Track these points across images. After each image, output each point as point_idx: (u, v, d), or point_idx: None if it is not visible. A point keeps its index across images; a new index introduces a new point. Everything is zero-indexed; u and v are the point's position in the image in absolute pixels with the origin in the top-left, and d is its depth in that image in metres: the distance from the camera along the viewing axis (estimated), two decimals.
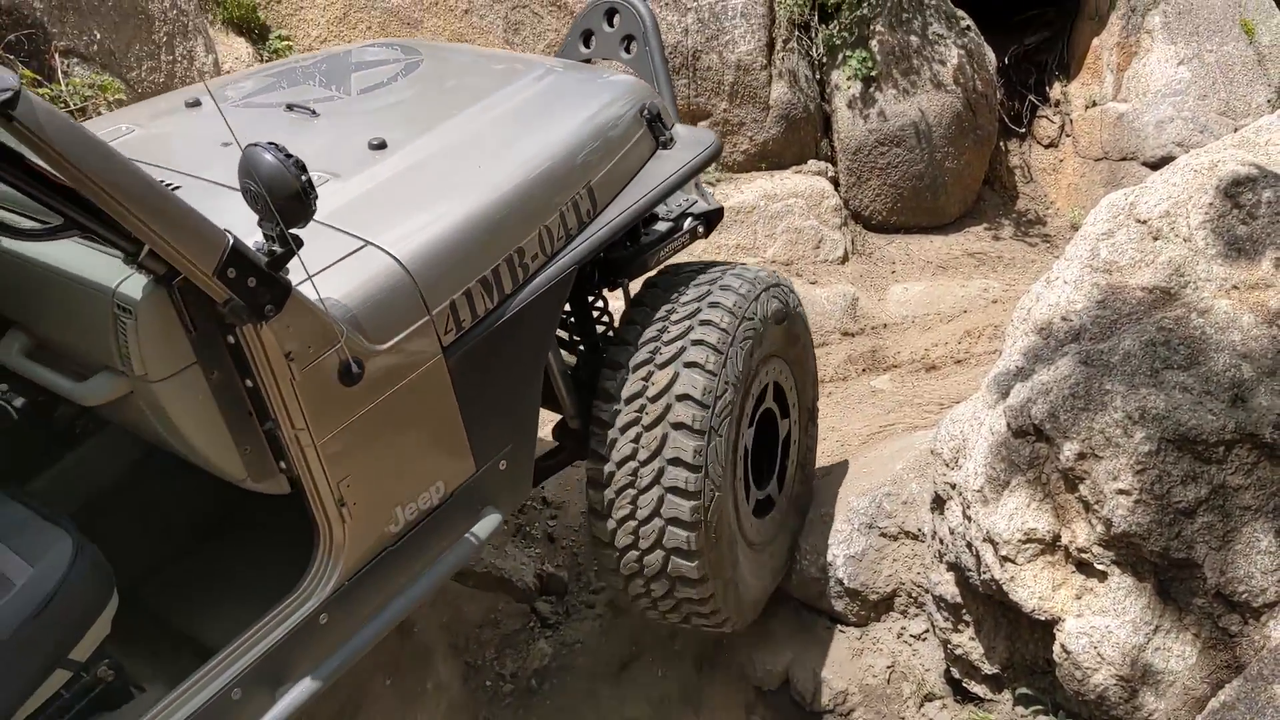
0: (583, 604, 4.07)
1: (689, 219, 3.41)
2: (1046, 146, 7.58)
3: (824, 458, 4.24)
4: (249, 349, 2.28)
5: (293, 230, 2.17)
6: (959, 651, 3.36)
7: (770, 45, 6.75)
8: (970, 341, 5.55)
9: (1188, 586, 2.72)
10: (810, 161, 6.92)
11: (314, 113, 3.09)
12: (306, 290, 2.31)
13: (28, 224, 2.37)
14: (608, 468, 3.04)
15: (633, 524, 3.08)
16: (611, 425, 3.03)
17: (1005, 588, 2.95)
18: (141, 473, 3.05)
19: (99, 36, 5.00)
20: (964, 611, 3.32)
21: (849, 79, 6.79)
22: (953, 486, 3.23)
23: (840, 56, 6.82)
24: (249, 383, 2.33)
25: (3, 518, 2.37)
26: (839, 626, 3.71)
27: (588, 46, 3.76)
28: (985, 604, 3.21)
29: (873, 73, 6.74)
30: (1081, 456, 2.79)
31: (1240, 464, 2.69)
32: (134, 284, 2.24)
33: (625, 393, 3.03)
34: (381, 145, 2.87)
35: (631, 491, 3.05)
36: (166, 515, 3.10)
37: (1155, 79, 7.11)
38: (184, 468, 2.54)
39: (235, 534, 3.06)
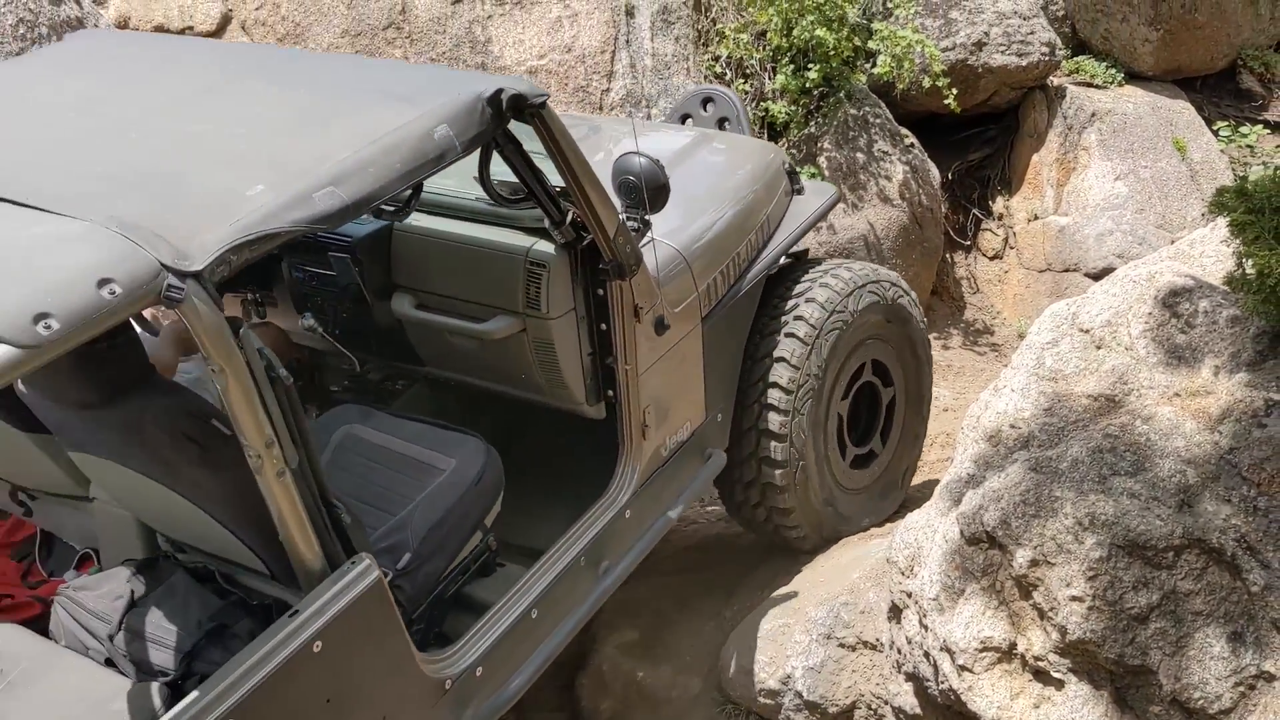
0: None
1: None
2: (991, 258, 7.76)
3: (779, 567, 4.23)
4: (612, 300, 3.15)
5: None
6: None
7: None
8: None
9: (1144, 694, 2.72)
10: None
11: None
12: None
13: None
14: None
15: (744, 473, 3.95)
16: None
17: (964, 697, 2.93)
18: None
19: None
20: None
21: None
22: (909, 595, 3.22)
23: None
24: (603, 326, 3.21)
25: (413, 432, 3.14)
26: None
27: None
28: (944, 714, 3.18)
29: None
30: (1034, 563, 2.81)
31: (1190, 569, 2.71)
32: (542, 248, 3.15)
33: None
34: None
35: (742, 452, 3.92)
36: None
37: (1094, 194, 7.34)
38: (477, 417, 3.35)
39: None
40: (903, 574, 3.28)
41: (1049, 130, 7.72)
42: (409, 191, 2.98)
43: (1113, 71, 8.02)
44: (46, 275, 1.98)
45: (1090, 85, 7.93)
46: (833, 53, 6.40)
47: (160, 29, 7.19)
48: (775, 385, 3.82)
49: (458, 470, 3.01)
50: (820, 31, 6.33)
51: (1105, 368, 3.14)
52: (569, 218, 3.03)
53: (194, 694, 2.20)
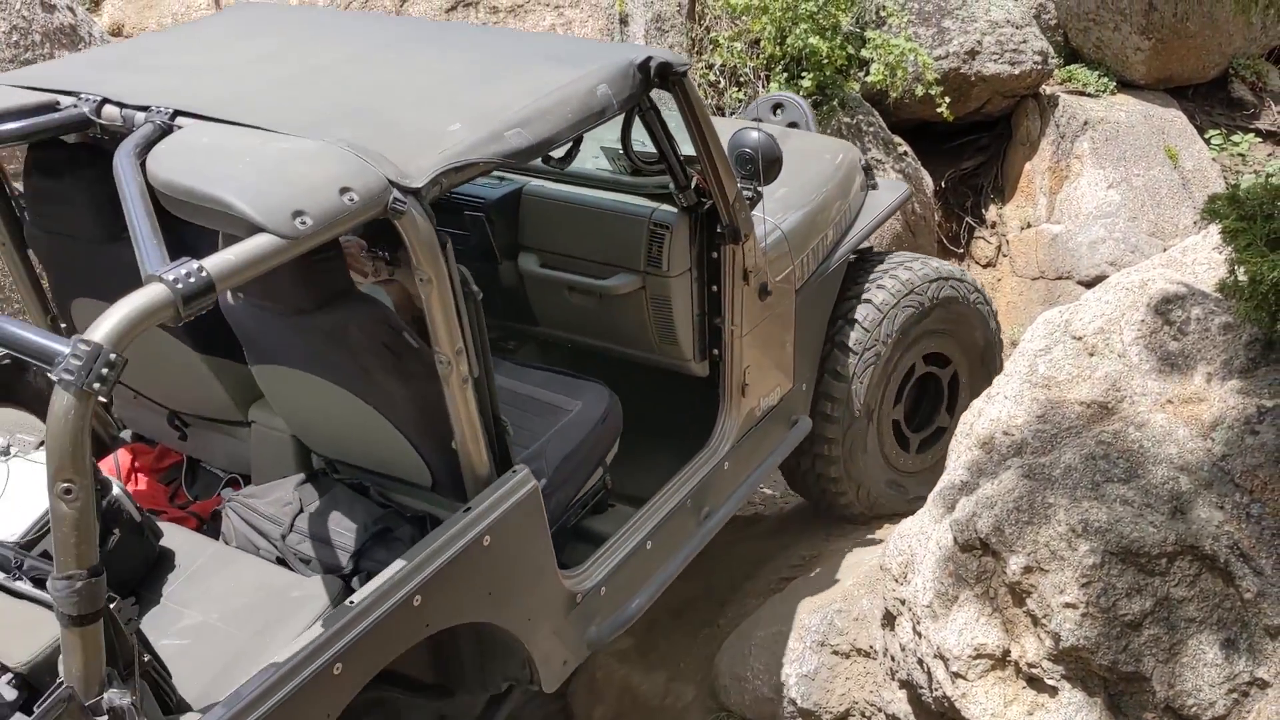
0: None
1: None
2: (985, 266, 7.78)
3: (773, 575, 4.23)
4: (724, 263, 3.42)
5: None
6: None
7: None
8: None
9: (1138, 700, 2.72)
10: None
11: None
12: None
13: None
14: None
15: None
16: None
17: (957, 705, 2.93)
18: None
19: None
20: None
21: None
22: (902, 602, 3.22)
23: None
24: (714, 288, 3.48)
25: (539, 378, 3.35)
26: None
27: None
28: None
29: None
30: (1028, 570, 2.81)
31: (1183, 576, 2.72)
32: (663, 213, 3.45)
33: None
34: None
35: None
36: None
37: (1086, 201, 7.36)
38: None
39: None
40: (896, 581, 3.28)
41: (1041, 138, 7.74)
42: (570, 144, 3.32)
43: (1105, 80, 8.05)
44: (299, 181, 2.30)
45: (1082, 94, 7.95)
46: (826, 61, 6.42)
47: None
48: (843, 347, 4.07)
49: (584, 410, 3.25)
50: (814, 40, 6.35)
51: (1098, 374, 3.15)
52: (693, 183, 3.35)
53: (391, 569, 2.49)
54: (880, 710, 3.46)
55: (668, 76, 3.06)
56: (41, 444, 2.27)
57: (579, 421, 3.21)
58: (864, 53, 6.62)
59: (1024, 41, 7.54)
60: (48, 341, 1.96)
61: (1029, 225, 7.54)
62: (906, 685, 3.26)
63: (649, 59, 3.01)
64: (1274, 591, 2.67)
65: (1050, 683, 2.79)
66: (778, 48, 6.45)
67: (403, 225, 2.42)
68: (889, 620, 3.35)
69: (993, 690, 2.89)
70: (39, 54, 4.96)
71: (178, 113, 2.58)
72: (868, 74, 6.67)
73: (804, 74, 6.47)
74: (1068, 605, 2.73)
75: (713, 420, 3.61)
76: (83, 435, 1.88)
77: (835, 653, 3.59)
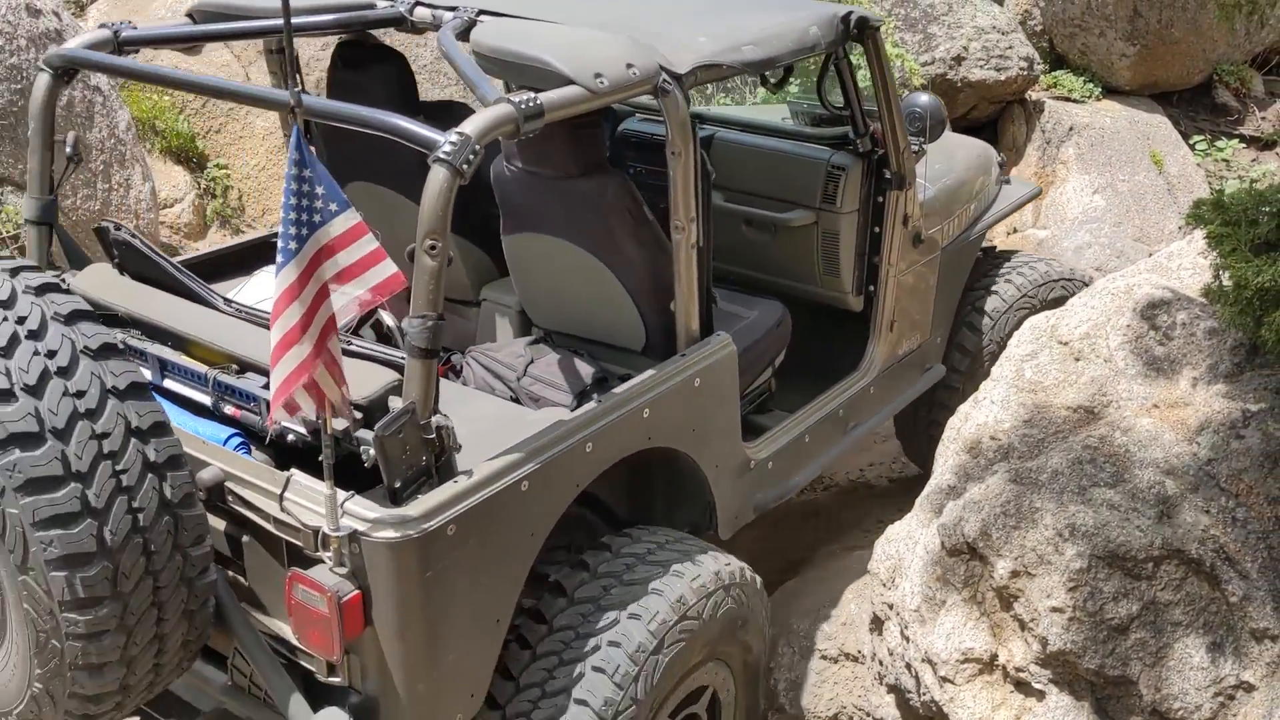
0: None
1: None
2: None
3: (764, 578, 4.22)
4: (888, 207, 3.95)
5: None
6: None
7: None
8: (905, 462, 5.61)
9: (1124, 704, 2.73)
10: None
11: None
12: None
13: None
14: None
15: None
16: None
17: (945, 709, 2.94)
18: None
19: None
20: None
21: None
22: (890, 606, 3.23)
23: None
24: (876, 229, 4.00)
25: (719, 294, 3.59)
26: None
27: None
28: None
29: None
30: (1015, 574, 2.81)
31: (1169, 580, 2.73)
32: (841, 156, 4.00)
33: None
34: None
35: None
36: None
37: (1072, 207, 7.39)
38: None
39: None
40: (884, 585, 3.28)
41: (1027, 144, 7.77)
42: (784, 73, 3.95)
43: (1090, 86, 8.09)
44: (597, 52, 2.87)
45: (1068, 99, 8.00)
46: (813, 67, 6.44)
47: None
48: (970, 328, 4.54)
49: (760, 317, 3.75)
50: None
51: (1084, 379, 3.16)
52: (870, 131, 3.91)
53: (628, 384, 3.03)
54: (869, 715, 3.46)
55: (864, 30, 3.68)
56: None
57: (755, 325, 3.71)
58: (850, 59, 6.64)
59: (1010, 47, 7.57)
60: (427, 132, 2.48)
61: (1015, 230, 7.56)
62: (895, 690, 3.26)
63: (850, 13, 3.64)
64: (1259, 595, 2.68)
65: (1037, 686, 2.80)
66: None
67: (665, 103, 2.97)
68: (877, 625, 3.35)
69: (980, 694, 2.89)
70: (24, 58, 4.95)
71: (482, 11, 3.20)
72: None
73: (791, 81, 6.48)
74: (1055, 609, 2.74)
75: (858, 358, 4.12)
76: (449, 205, 2.43)
77: (823, 657, 3.59)
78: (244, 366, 2.85)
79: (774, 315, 3.79)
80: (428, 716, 2.60)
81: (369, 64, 3.59)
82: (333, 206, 2.20)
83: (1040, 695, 2.80)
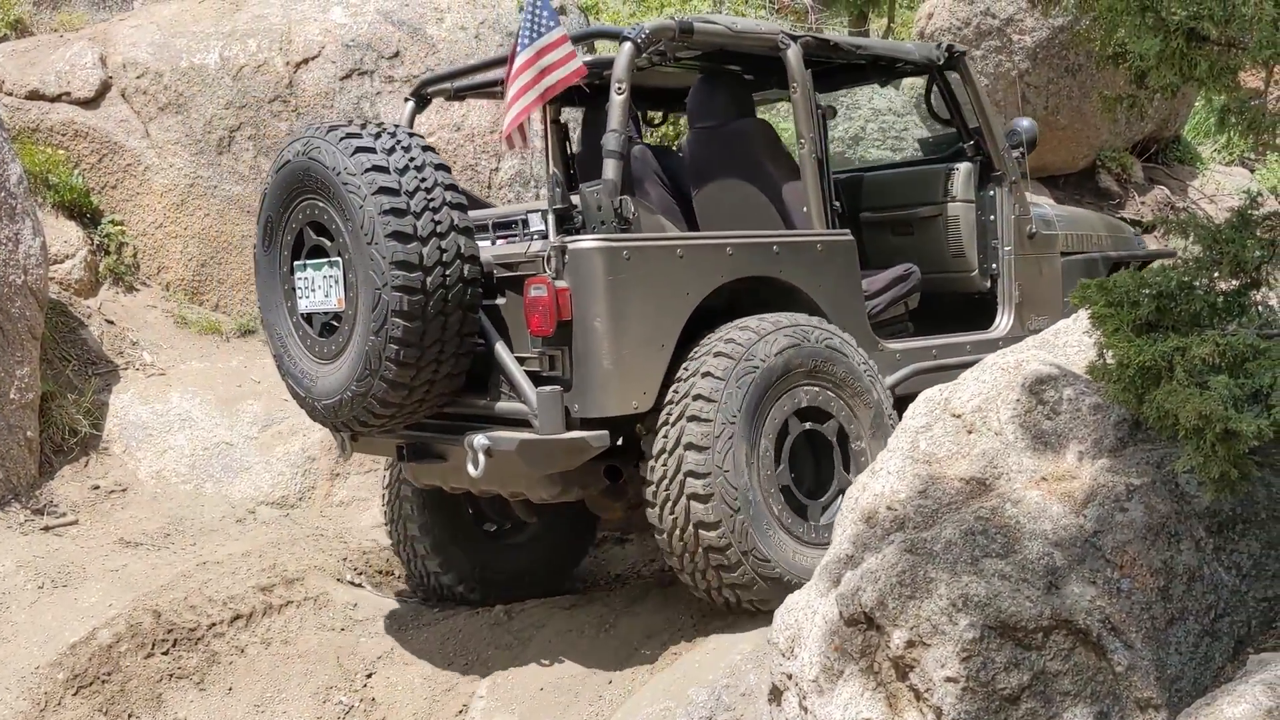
0: None
1: None
2: None
3: (660, 649, 4.20)
4: (998, 199, 5.18)
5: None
6: None
7: None
8: None
9: None
10: None
11: None
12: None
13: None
14: None
15: None
16: None
17: None
18: None
19: None
20: None
21: None
22: (789, 676, 3.24)
23: None
24: (992, 218, 5.20)
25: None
26: None
27: None
28: None
29: None
30: (910, 644, 2.85)
31: (1058, 650, 2.79)
32: (954, 163, 5.26)
33: None
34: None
35: None
36: None
37: None
38: None
39: None
40: (783, 655, 3.29)
41: None
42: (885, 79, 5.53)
43: None
44: (751, 24, 4.40)
45: None
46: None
47: (35, 94, 7.01)
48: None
49: (898, 269, 4.97)
50: None
51: (976, 451, 3.24)
52: (974, 138, 5.17)
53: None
54: None
55: (957, 58, 5.03)
56: None
57: (892, 274, 4.96)
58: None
59: (905, 129, 7.82)
60: None
61: None
62: None
63: (941, 42, 5.12)
64: (1143, 665, 2.75)
65: None
66: None
67: (786, 56, 4.46)
68: (775, 695, 3.35)
69: None
70: None
71: None
72: None
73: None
74: (949, 679, 2.77)
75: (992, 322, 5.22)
76: (630, 64, 4.19)
77: None
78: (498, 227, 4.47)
79: (902, 269, 4.95)
80: (611, 395, 3.91)
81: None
82: (551, 23, 3.87)
83: None
